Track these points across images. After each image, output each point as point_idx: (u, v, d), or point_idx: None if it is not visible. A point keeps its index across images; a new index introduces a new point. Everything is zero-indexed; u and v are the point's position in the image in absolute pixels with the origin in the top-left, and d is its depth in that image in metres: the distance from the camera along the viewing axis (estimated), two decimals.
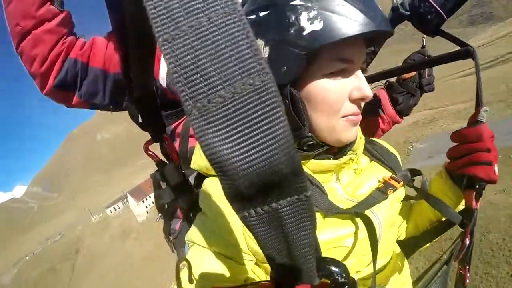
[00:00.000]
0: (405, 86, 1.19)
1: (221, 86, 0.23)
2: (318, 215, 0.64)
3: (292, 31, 0.56)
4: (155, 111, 0.82)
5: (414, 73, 1.15)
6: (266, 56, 0.59)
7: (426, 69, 1.14)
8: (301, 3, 0.56)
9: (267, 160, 0.24)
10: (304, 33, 0.55)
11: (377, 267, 0.72)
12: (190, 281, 0.60)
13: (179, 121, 1.12)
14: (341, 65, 0.61)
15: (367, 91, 0.62)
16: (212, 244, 0.64)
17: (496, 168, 0.70)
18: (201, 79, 0.22)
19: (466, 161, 0.72)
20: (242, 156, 0.24)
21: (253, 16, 0.61)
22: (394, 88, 1.22)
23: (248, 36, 0.21)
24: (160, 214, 1.04)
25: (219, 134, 0.23)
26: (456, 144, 0.75)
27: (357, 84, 0.63)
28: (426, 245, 0.86)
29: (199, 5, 0.21)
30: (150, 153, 0.92)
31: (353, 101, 0.64)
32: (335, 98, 0.62)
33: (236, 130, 0.23)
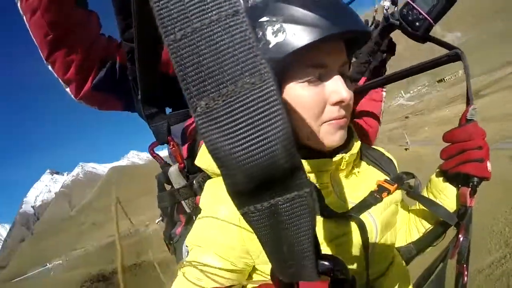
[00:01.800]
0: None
1: (224, 84, 0.24)
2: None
3: (260, 46, 0.58)
4: (159, 113, 0.82)
5: None
6: None
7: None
8: (267, 19, 0.59)
9: (267, 155, 0.25)
10: (270, 46, 0.58)
11: (377, 270, 0.73)
12: (189, 283, 0.62)
13: (191, 120, 1.11)
14: (315, 71, 0.62)
15: (344, 93, 0.63)
16: (210, 246, 0.65)
17: (488, 165, 0.72)
18: (205, 77, 0.24)
19: (458, 160, 0.74)
20: (243, 151, 0.25)
21: None
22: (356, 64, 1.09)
23: (250, 37, 0.23)
24: (160, 217, 1.03)
25: (222, 130, 0.25)
26: (449, 144, 0.77)
27: (334, 88, 0.63)
28: (427, 249, 0.86)
29: (204, 7, 0.22)
30: (155, 155, 0.92)
31: (334, 104, 0.64)
32: (311, 103, 0.63)
33: (238, 127, 0.25)
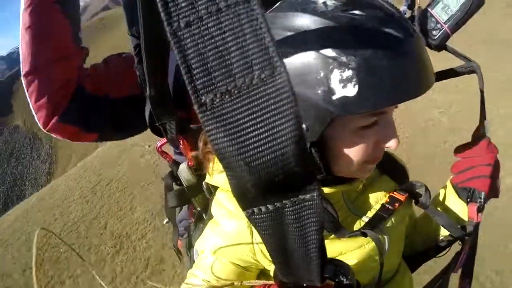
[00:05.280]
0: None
1: (232, 79, 0.22)
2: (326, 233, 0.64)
3: (319, 91, 0.47)
4: (169, 111, 0.79)
5: None
6: None
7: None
8: (334, 55, 0.46)
9: (276, 158, 0.23)
10: (334, 97, 0.47)
11: (383, 278, 0.71)
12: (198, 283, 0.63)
13: None
14: (373, 119, 0.55)
15: (394, 142, 0.57)
16: (220, 251, 0.65)
17: (498, 182, 0.72)
18: (211, 71, 0.21)
19: (467, 175, 0.74)
20: (251, 153, 0.23)
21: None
22: None
23: (261, 27, 0.20)
24: (167, 219, 1.01)
25: (228, 129, 0.22)
26: (460, 158, 0.77)
27: (385, 134, 0.57)
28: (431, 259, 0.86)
29: None
30: (163, 153, 0.90)
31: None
32: (364, 152, 0.57)
33: (245, 126, 0.22)
